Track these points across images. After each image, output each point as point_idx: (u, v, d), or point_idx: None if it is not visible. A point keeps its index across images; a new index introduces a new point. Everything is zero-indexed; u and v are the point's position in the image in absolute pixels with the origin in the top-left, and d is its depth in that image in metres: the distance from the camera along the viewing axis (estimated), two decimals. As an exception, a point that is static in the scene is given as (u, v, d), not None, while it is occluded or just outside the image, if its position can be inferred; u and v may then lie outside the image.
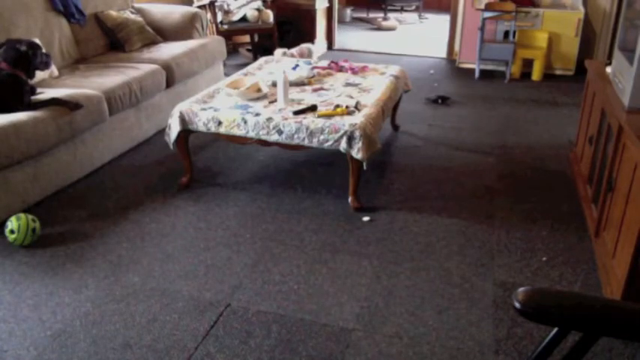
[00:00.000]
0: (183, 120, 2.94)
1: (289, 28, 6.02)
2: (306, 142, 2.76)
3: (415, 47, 6.68)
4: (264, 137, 2.82)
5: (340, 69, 3.70)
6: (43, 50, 3.07)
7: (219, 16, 5.40)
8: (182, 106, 2.96)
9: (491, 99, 4.72)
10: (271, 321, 2.06)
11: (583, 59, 3.83)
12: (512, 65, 5.18)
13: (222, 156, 3.52)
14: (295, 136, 2.76)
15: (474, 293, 2.23)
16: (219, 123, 2.87)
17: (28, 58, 2.91)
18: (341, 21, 7.91)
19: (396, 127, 3.97)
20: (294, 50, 4.80)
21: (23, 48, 2.89)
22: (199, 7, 5.00)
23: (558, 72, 5.42)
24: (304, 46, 4.95)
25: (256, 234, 2.64)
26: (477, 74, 5.33)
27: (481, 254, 2.49)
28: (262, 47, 5.89)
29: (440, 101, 4.58)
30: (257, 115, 2.83)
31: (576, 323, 0.99)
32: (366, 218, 2.78)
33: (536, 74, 5.26)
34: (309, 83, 3.38)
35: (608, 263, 2.22)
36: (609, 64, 2.89)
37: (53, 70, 3.49)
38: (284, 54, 4.53)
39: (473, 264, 2.42)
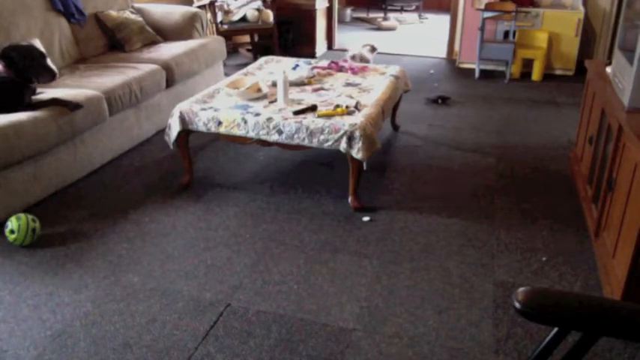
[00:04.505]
0: (183, 120, 2.94)
1: (289, 28, 6.02)
2: (306, 142, 2.76)
3: (415, 47, 6.68)
4: (264, 137, 2.82)
5: (340, 69, 3.70)
6: (49, 62, 2.97)
7: (219, 16, 5.40)
8: (182, 106, 2.96)
9: (491, 99, 4.72)
10: (271, 321, 2.06)
11: (583, 59, 3.83)
12: (512, 65, 5.18)
13: (222, 156, 3.52)
14: (295, 136, 2.76)
15: (474, 293, 2.23)
16: (219, 123, 2.87)
17: (26, 68, 2.85)
18: (341, 21, 7.91)
19: (396, 127, 3.97)
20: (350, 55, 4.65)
21: (19, 60, 2.83)
22: (199, 7, 5.00)
23: (558, 72, 5.42)
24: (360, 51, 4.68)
25: (256, 234, 2.64)
26: (477, 74, 5.33)
27: (481, 254, 2.49)
28: (262, 47, 5.89)
29: (440, 101, 4.58)
30: (257, 115, 2.83)
31: (576, 323, 0.99)
32: (366, 218, 2.78)
33: (536, 74, 5.26)
34: (309, 83, 3.38)
35: (608, 263, 2.22)
36: (609, 64, 2.89)
37: (53, 70, 3.48)
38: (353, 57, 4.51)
39: (473, 264, 2.42)
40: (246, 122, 2.82)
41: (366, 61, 4.59)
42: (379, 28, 8.01)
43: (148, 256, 2.47)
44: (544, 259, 2.46)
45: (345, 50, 6.38)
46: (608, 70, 2.84)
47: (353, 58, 4.56)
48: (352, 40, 7.05)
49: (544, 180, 3.22)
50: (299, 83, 3.33)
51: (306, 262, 2.43)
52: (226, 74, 4.67)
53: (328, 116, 2.80)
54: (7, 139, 2.59)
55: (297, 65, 3.63)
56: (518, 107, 4.51)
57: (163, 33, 4.43)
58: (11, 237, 2.50)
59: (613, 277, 2.13)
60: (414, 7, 9.01)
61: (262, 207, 2.89)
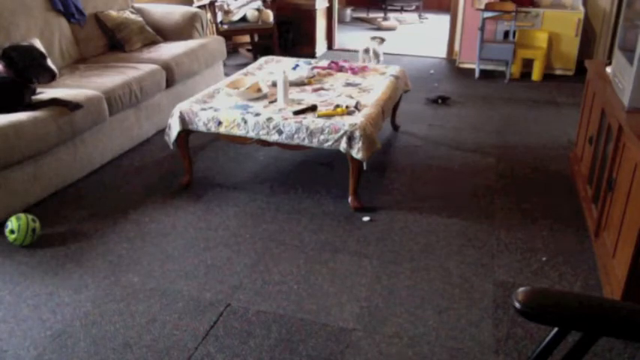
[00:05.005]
0: (183, 120, 2.94)
1: (289, 28, 6.02)
2: (306, 142, 2.76)
3: (415, 47, 6.68)
4: (264, 137, 2.82)
5: (340, 69, 3.70)
6: (49, 62, 2.99)
7: (219, 16, 5.40)
8: (182, 106, 2.96)
9: (491, 99, 4.72)
10: (271, 321, 2.06)
11: (583, 59, 3.83)
12: (512, 65, 5.18)
13: (222, 156, 3.52)
14: (295, 136, 2.76)
15: (474, 293, 2.23)
16: (219, 123, 2.87)
17: (26, 69, 2.86)
18: (341, 21, 7.91)
19: (396, 127, 3.97)
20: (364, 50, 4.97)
21: (19, 60, 2.84)
22: (199, 7, 5.00)
23: (558, 72, 5.42)
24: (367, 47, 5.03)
25: (256, 234, 2.64)
26: (477, 74, 5.33)
27: (481, 254, 2.49)
28: (262, 47, 5.89)
29: (440, 101, 4.58)
30: (257, 115, 2.83)
31: (576, 323, 0.99)
32: (366, 218, 2.78)
33: (536, 74, 5.26)
34: (309, 83, 3.38)
35: (608, 263, 2.22)
36: (609, 64, 2.89)
37: (53, 70, 3.48)
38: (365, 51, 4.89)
39: (473, 264, 2.42)
40: (246, 122, 2.82)
41: (377, 53, 4.96)
42: (379, 28, 8.00)
43: (148, 256, 2.47)
44: (544, 259, 2.46)
45: (348, 51, 6.41)
46: (608, 70, 2.84)
47: (367, 51, 4.89)
48: (352, 40, 7.05)
49: (544, 180, 3.22)
50: (299, 83, 3.33)
51: (306, 262, 2.43)
52: (226, 74, 4.67)
53: (328, 116, 2.80)
54: (7, 139, 2.59)
55: (297, 65, 3.63)
56: (518, 107, 4.51)
57: (163, 33, 4.43)
58: (11, 237, 2.50)
59: (613, 277, 2.13)
60: (414, 7, 9.01)
61: (262, 207, 2.89)
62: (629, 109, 2.27)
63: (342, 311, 2.12)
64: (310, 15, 6.04)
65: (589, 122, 2.99)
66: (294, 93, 3.17)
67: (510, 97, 4.76)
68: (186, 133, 3.00)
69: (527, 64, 5.27)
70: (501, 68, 5.51)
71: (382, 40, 4.99)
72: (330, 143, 2.72)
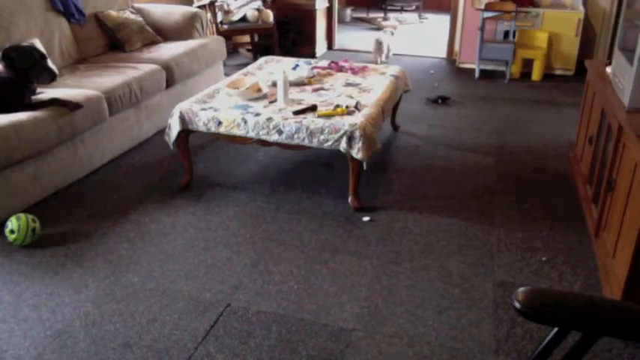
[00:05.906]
0: (183, 120, 2.94)
1: (289, 28, 6.02)
2: (306, 142, 2.76)
3: (415, 47, 6.68)
4: (264, 137, 2.82)
5: (340, 69, 3.69)
6: (49, 63, 3.00)
7: (219, 16, 5.40)
8: (182, 106, 2.96)
9: (491, 99, 4.71)
10: (271, 321, 2.06)
11: (583, 59, 3.83)
12: (512, 65, 5.18)
13: (222, 156, 3.52)
14: (295, 136, 2.76)
15: (474, 293, 2.23)
16: (219, 123, 2.87)
17: (26, 69, 2.86)
18: (341, 21, 7.91)
19: (396, 127, 3.97)
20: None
21: (20, 61, 2.84)
22: (199, 7, 5.00)
23: (558, 72, 5.42)
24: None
25: (256, 234, 2.64)
26: (477, 74, 5.33)
27: (481, 254, 2.49)
28: (262, 47, 5.89)
29: (440, 101, 4.58)
30: (257, 115, 2.83)
31: (576, 323, 0.99)
32: (366, 218, 2.78)
33: (536, 74, 5.26)
34: (309, 83, 3.38)
35: (608, 263, 2.22)
36: (609, 64, 2.89)
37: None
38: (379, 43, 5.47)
39: (473, 264, 2.42)
40: (246, 122, 2.82)
41: (388, 45, 5.44)
42: (379, 28, 8.00)
43: (148, 256, 2.47)
44: (544, 259, 2.46)
45: (348, 51, 6.41)
46: (608, 70, 2.84)
47: (379, 43, 5.37)
48: (352, 40, 7.05)
49: (544, 180, 3.22)
50: (299, 83, 3.33)
51: (306, 262, 2.43)
52: (226, 74, 4.67)
53: (328, 116, 2.80)
54: (7, 139, 2.59)
55: (297, 65, 3.63)
56: (518, 107, 4.51)
57: (163, 33, 4.43)
58: (11, 237, 2.50)
59: (613, 277, 2.13)
60: (414, 7, 9.00)
61: (262, 207, 2.89)
62: (629, 109, 2.27)
63: (342, 311, 2.12)
64: (310, 15, 6.04)
65: (589, 122, 2.99)
66: (294, 93, 3.17)
67: (510, 97, 4.76)
68: (186, 133, 3.00)
69: (527, 64, 5.27)
70: (501, 68, 5.51)
71: (392, 32, 5.23)
72: (330, 143, 2.72)
